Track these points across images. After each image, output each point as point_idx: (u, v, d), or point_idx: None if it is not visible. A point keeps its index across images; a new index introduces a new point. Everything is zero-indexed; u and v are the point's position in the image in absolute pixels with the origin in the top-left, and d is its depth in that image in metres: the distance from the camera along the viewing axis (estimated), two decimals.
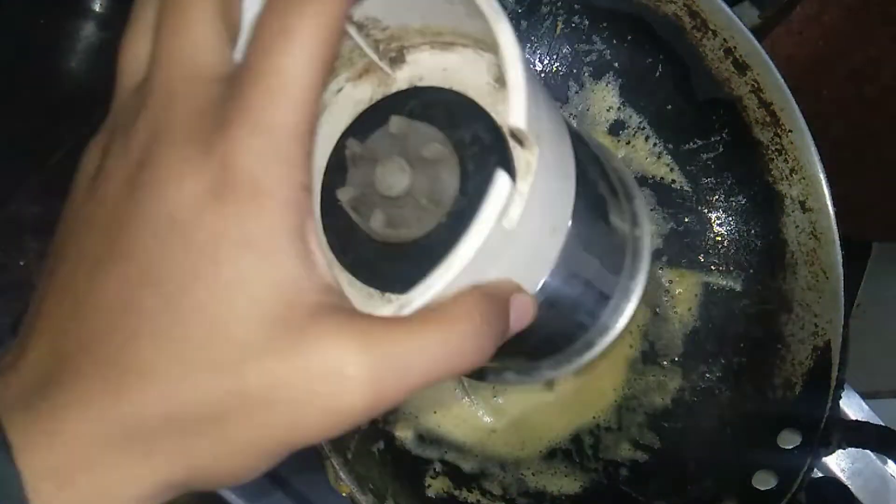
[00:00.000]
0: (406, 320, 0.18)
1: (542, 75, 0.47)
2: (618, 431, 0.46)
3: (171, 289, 0.16)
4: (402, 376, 0.17)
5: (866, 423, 0.41)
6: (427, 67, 0.23)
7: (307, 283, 0.17)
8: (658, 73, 0.45)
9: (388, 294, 0.21)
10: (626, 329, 0.29)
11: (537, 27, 0.46)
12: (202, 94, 0.17)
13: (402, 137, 0.21)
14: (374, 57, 0.23)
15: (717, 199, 0.46)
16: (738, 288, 0.45)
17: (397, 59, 0.23)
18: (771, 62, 0.40)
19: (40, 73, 0.52)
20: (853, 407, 0.50)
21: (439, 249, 0.20)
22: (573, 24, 0.46)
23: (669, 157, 0.46)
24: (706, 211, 0.46)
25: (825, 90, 0.52)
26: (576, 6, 0.45)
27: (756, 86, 0.41)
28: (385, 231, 0.21)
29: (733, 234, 0.46)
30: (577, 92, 0.47)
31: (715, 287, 0.46)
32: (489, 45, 0.21)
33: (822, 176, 0.41)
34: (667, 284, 0.47)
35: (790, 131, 0.41)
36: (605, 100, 0.47)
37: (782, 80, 0.40)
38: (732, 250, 0.46)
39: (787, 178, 0.42)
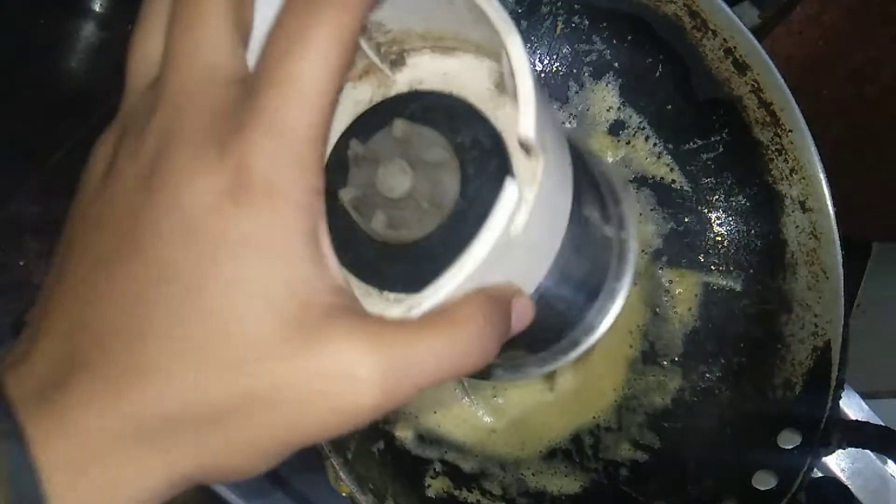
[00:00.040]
0: (414, 322, 0.18)
1: (542, 75, 0.47)
2: (618, 431, 0.46)
3: (185, 287, 0.16)
4: (411, 377, 0.17)
5: (866, 423, 0.41)
6: (427, 71, 0.23)
7: (320, 284, 0.17)
8: (658, 73, 0.45)
9: (386, 292, 0.21)
10: (611, 328, 0.30)
11: (537, 27, 0.46)
12: (217, 95, 0.17)
13: (405, 140, 0.21)
14: (376, 59, 0.23)
15: (717, 199, 0.46)
16: (738, 288, 0.45)
17: (398, 62, 0.23)
18: (771, 62, 0.40)
19: (40, 73, 0.52)
20: (853, 407, 0.50)
21: (439, 251, 0.20)
22: (573, 24, 0.46)
23: (669, 157, 0.46)
24: (706, 211, 0.46)
25: (825, 90, 0.52)
26: (576, 6, 0.45)
27: (756, 86, 0.41)
28: (386, 232, 0.21)
29: (733, 234, 0.46)
30: (577, 92, 0.47)
31: (715, 287, 0.46)
32: (490, 51, 0.21)
33: (822, 176, 0.41)
34: (667, 284, 0.47)
35: (790, 131, 0.41)
36: (605, 100, 0.47)
37: (782, 80, 0.40)
38: (732, 250, 0.46)
39: (787, 178, 0.42)
